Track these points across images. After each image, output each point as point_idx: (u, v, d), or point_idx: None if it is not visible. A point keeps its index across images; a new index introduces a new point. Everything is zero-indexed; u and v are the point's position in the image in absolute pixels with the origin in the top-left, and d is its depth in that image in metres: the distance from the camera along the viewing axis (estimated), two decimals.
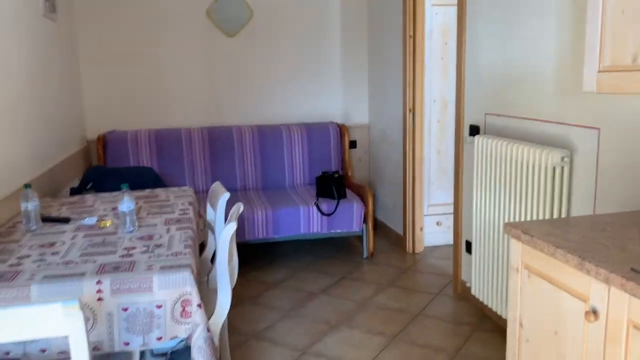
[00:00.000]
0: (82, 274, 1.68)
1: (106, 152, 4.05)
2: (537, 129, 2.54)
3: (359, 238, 4.36)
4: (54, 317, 1.30)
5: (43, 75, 3.18)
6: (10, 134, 2.57)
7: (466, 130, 3.18)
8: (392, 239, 4.39)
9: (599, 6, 1.64)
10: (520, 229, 1.64)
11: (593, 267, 1.34)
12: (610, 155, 2.10)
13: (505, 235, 2.65)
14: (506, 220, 2.63)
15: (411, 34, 3.94)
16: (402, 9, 3.97)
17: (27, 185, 2.19)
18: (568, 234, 1.57)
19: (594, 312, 1.36)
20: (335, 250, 4.25)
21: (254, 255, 4.17)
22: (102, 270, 1.71)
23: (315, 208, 3.85)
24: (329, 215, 3.87)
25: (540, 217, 2.37)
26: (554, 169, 2.29)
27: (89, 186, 3.05)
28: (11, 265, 1.77)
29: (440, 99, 4.16)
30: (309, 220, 3.86)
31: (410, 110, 4.02)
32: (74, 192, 3.07)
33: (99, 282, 1.65)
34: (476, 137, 2.86)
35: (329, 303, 3.29)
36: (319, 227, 3.89)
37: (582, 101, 2.23)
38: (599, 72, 1.64)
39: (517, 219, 2.54)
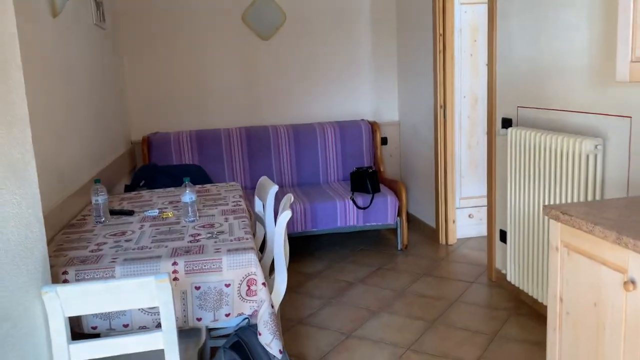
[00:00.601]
0: (159, 257, 1.87)
1: (151, 153, 4.27)
2: (569, 120, 2.65)
3: (393, 231, 4.50)
4: (147, 290, 1.48)
5: (97, 80, 3.40)
6: (72, 136, 2.78)
7: (499, 123, 3.30)
8: (425, 232, 4.52)
9: (630, 0, 1.76)
10: (559, 210, 1.77)
11: (631, 240, 1.46)
12: None
13: (541, 222, 2.76)
14: (541, 208, 2.75)
15: (441, 32, 4.06)
16: (432, 8, 4.10)
17: (97, 181, 2.39)
18: (605, 213, 1.70)
19: (632, 282, 1.49)
20: (370, 242, 4.40)
21: (292, 248, 4.34)
22: (175, 253, 1.90)
23: (351, 202, 4.01)
24: (364, 208, 4.02)
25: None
26: (587, 156, 2.41)
27: (142, 183, 3.26)
28: (92, 251, 1.97)
29: (470, 94, 4.27)
30: (345, 213, 4.01)
31: (441, 107, 4.15)
32: (128, 189, 3.28)
33: (174, 264, 1.83)
34: (509, 129, 2.98)
35: (367, 291, 3.44)
36: (355, 220, 4.04)
37: (613, 91, 2.35)
38: (631, 62, 1.76)
39: None
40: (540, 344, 2.66)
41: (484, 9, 4.02)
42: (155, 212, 2.48)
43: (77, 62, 2.97)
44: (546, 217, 2.69)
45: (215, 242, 2.01)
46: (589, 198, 2.44)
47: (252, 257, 1.88)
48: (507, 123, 3.20)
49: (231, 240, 2.01)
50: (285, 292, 2.23)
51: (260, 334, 1.89)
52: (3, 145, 1.25)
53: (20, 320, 1.35)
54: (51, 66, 2.49)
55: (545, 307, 2.68)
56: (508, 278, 3.16)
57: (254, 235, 2.86)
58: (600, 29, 2.39)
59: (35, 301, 1.41)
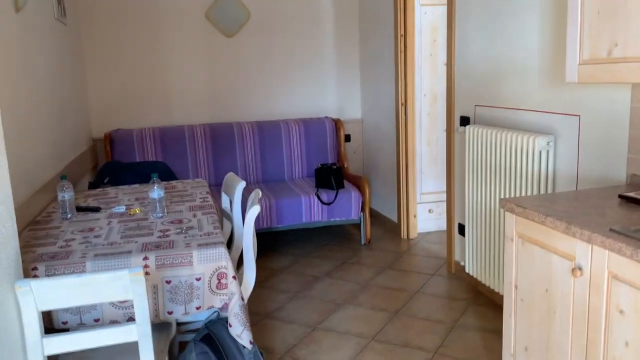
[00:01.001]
0: (129, 252, 1.89)
1: (113, 150, 4.23)
2: (523, 118, 2.80)
3: (356, 226, 4.60)
4: (121, 283, 1.51)
5: (58, 77, 3.35)
6: (35, 132, 2.75)
7: (457, 121, 3.43)
8: (387, 227, 4.64)
9: (577, 7, 1.89)
10: (514, 203, 1.89)
11: (578, 230, 1.59)
12: (590, 139, 2.36)
13: (497, 215, 2.90)
14: (497, 201, 2.89)
15: (402, 32, 4.18)
16: (393, 9, 4.21)
17: (63, 177, 2.38)
18: (555, 205, 1.82)
19: (580, 268, 1.61)
20: (334, 237, 4.49)
21: (258, 244, 4.35)
22: (145, 248, 1.92)
23: (315, 198, 4.08)
24: (328, 204, 4.10)
25: None
26: (540, 152, 2.55)
27: (106, 180, 3.24)
28: (61, 247, 1.97)
29: (430, 92, 4.41)
30: (310, 209, 4.08)
31: (402, 104, 4.27)
32: (92, 186, 3.26)
33: (145, 258, 1.86)
34: (467, 126, 3.11)
35: (333, 285, 3.52)
36: (320, 216, 4.12)
37: (563, 91, 2.49)
38: (579, 64, 1.89)
39: None
40: (497, 332, 2.80)
41: (443, 10, 4.16)
42: (122, 209, 2.49)
43: (39, 57, 2.93)
44: (502, 210, 2.83)
45: (185, 237, 2.04)
46: (542, 191, 2.58)
47: (222, 251, 1.93)
48: (465, 121, 3.33)
49: (201, 235, 2.05)
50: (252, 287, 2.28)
51: (230, 326, 1.94)
52: None
53: None
54: (14, 62, 2.45)
55: (502, 296, 2.82)
56: (466, 270, 3.30)
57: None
58: (551, 33, 2.54)
59: (9, 295, 1.42)
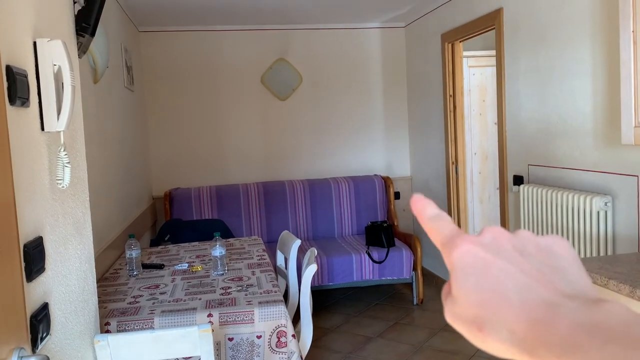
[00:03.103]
0: (194, 309, 1.97)
1: (172, 208, 4.41)
2: (578, 178, 2.78)
3: (407, 285, 4.56)
4: (190, 339, 1.58)
5: (125, 140, 3.59)
6: (105, 192, 2.93)
7: (510, 180, 3.43)
8: (440, 287, 4.58)
9: (630, 70, 1.92)
10: None
11: None
12: None
13: None
14: None
15: (451, 93, 4.27)
16: (442, 70, 4.33)
17: (131, 236, 2.52)
18: (616, 267, 1.80)
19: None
20: (385, 297, 4.45)
21: None
22: (209, 305, 2.00)
23: (366, 256, 4.10)
24: (379, 262, 4.11)
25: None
26: (597, 213, 2.52)
27: (167, 237, 3.38)
28: (130, 303, 2.07)
29: (480, 151, 4.43)
30: (361, 267, 4.10)
31: (453, 163, 4.30)
32: (153, 243, 3.40)
33: (209, 315, 1.93)
34: (521, 186, 3.11)
35: (386, 346, 3.48)
36: (371, 274, 4.12)
37: (619, 152, 2.49)
38: (635, 127, 1.91)
39: None
40: None
41: (491, 71, 4.25)
42: (185, 266, 2.59)
43: (110, 123, 3.17)
44: None
45: (246, 294, 2.11)
46: (601, 253, 2.53)
47: (283, 309, 1.98)
48: (518, 180, 3.33)
49: (260, 293, 2.12)
50: None
51: None
52: (71, 205, 1.39)
53: None
54: (89, 128, 2.67)
55: None
56: None
57: None
58: (603, 95, 2.56)
59: (88, 349, 1.51)
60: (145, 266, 2.60)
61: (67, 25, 1.46)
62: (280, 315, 1.97)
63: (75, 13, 1.56)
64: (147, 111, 4.64)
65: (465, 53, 4.31)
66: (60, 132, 1.24)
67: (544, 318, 0.33)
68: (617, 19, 2.07)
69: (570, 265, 0.37)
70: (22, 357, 0.90)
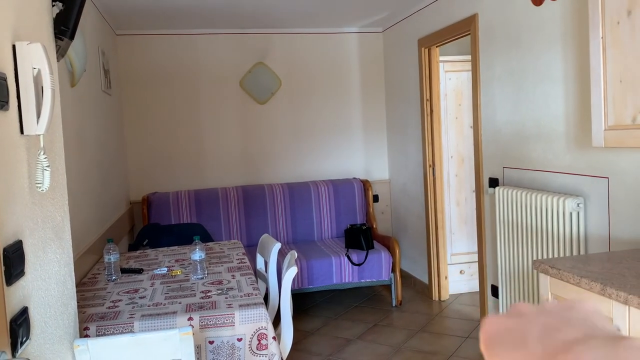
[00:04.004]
0: (174, 312, 1.97)
1: (150, 212, 4.38)
2: (551, 180, 2.85)
3: (386, 287, 4.60)
4: (171, 342, 1.58)
5: (103, 143, 3.56)
6: (83, 197, 2.91)
7: (486, 183, 3.49)
8: (418, 288, 4.63)
9: (600, 76, 1.99)
10: (547, 264, 1.93)
11: (614, 291, 1.62)
12: (620, 200, 2.40)
13: (531, 276, 2.91)
14: (530, 262, 2.90)
15: (428, 97, 4.33)
16: (418, 75, 4.39)
17: (109, 240, 2.50)
18: (589, 267, 1.86)
19: (617, 329, 1.63)
20: (364, 299, 4.49)
21: None
22: (189, 309, 2.00)
23: (346, 258, 4.13)
24: (359, 265, 4.14)
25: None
26: (570, 214, 2.59)
27: (145, 242, 3.36)
28: (109, 308, 2.06)
29: (457, 154, 4.50)
30: (340, 270, 4.12)
31: (430, 166, 4.36)
32: (132, 247, 3.37)
33: (190, 319, 1.93)
34: (497, 188, 3.17)
35: (366, 348, 3.50)
36: (350, 277, 4.15)
37: (591, 154, 2.56)
38: (605, 130, 1.97)
39: None
40: None
41: (466, 75, 4.33)
42: (164, 270, 2.58)
43: (88, 126, 3.14)
44: (535, 272, 2.84)
45: (226, 297, 2.11)
46: (574, 253, 2.60)
47: (263, 311, 1.99)
48: (493, 182, 3.39)
49: (241, 296, 2.12)
50: None
51: None
52: (50, 209, 1.38)
53: None
54: (67, 132, 2.64)
55: None
56: None
57: None
58: (575, 99, 2.63)
59: (67, 353, 1.50)
60: (124, 271, 2.58)
61: (46, 28, 1.46)
62: (260, 318, 1.98)
63: (54, 16, 1.56)
64: (125, 115, 4.60)
65: (442, 58, 4.38)
66: (39, 135, 1.24)
67: (566, 354, 0.34)
68: (587, 26, 2.14)
69: (591, 314, 0.39)
70: None
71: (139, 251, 3.17)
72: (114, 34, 4.40)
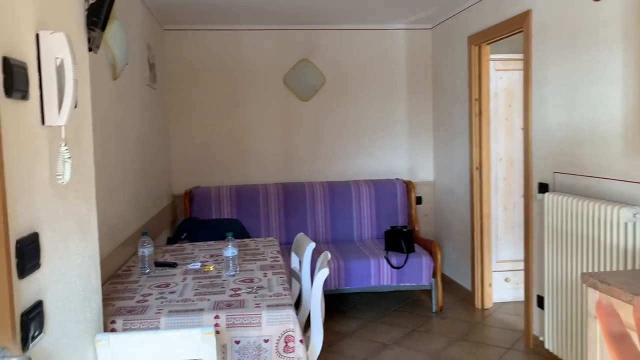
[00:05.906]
0: (201, 310, 1.94)
1: (192, 206, 4.42)
2: (606, 187, 2.67)
3: (426, 292, 4.47)
4: (193, 341, 1.54)
5: (145, 137, 3.59)
6: (122, 189, 2.94)
7: (535, 188, 3.32)
8: (460, 294, 4.47)
9: None
10: (597, 278, 1.78)
11: None
12: None
13: (579, 289, 2.73)
14: (579, 274, 2.72)
15: (477, 97, 4.17)
16: (468, 73, 4.23)
17: (144, 233, 2.51)
18: None
19: None
20: (403, 303, 4.37)
21: (325, 305, 4.34)
22: (217, 306, 1.96)
23: (385, 261, 4.03)
24: (398, 268, 4.03)
25: (614, 270, 2.46)
26: (625, 224, 2.41)
27: (183, 236, 3.38)
28: (138, 302, 2.05)
29: (506, 157, 4.32)
30: (379, 272, 4.03)
31: (477, 168, 4.20)
32: (170, 241, 3.39)
33: (216, 317, 1.90)
34: (546, 194, 3.00)
35: (402, 354, 3.40)
36: (389, 280, 4.05)
37: None
38: None
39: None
40: None
41: (518, 75, 4.13)
42: (197, 265, 2.57)
43: (130, 120, 3.17)
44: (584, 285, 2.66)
45: (255, 297, 2.07)
46: (628, 266, 2.41)
47: (291, 313, 1.93)
48: (543, 188, 3.22)
49: (270, 296, 2.07)
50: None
51: None
52: (73, 202, 1.37)
53: None
54: (108, 125, 2.67)
55: None
56: (546, 346, 3.09)
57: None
58: (635, 101, 2.44)
59: (89, 348, 1.48)
60: (158, 264, 2.58)
61: (76, 19, 1.44)
62: (288, 320, 1.93)
63: (87, 7, 1.55)
64: (169, 109, 4.65)
65: (493, 56, 4.20)
66: (61, 126, 1.22)
67: None
68: None
69: None
70: (3, 357, 0.87)
71: (176, 245, 3.18)
72: (161, 28, 4.45)
